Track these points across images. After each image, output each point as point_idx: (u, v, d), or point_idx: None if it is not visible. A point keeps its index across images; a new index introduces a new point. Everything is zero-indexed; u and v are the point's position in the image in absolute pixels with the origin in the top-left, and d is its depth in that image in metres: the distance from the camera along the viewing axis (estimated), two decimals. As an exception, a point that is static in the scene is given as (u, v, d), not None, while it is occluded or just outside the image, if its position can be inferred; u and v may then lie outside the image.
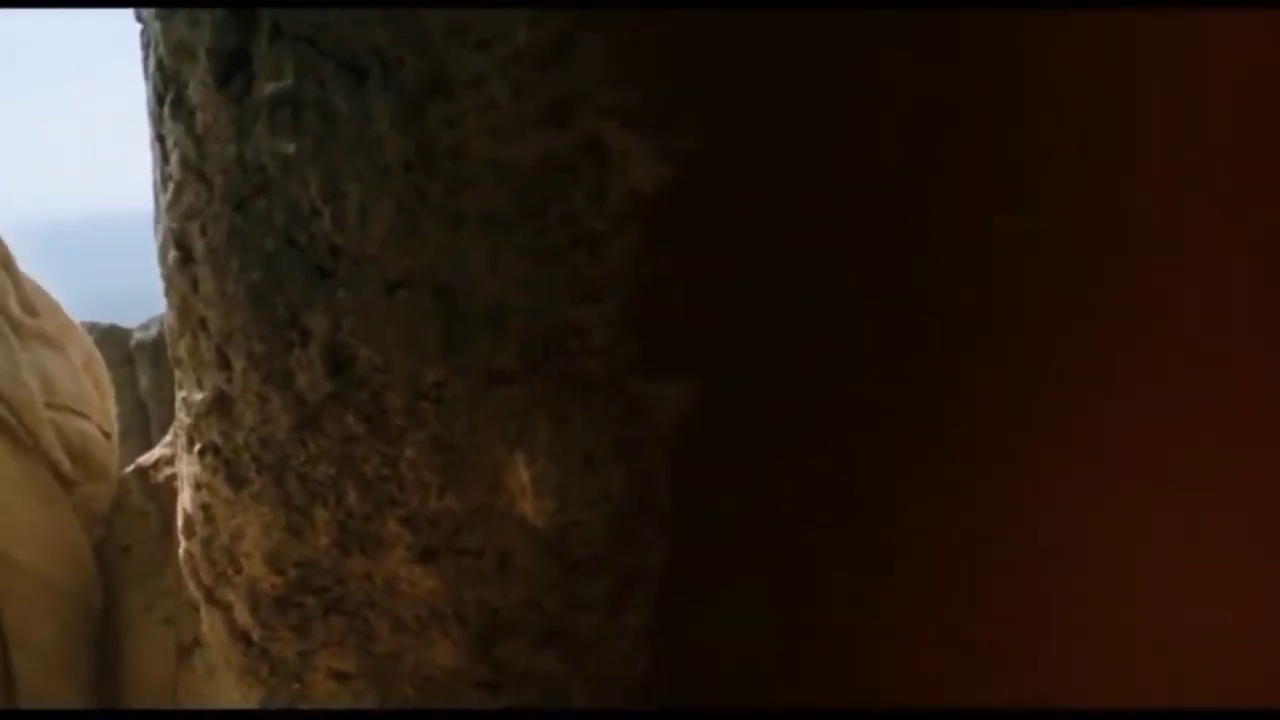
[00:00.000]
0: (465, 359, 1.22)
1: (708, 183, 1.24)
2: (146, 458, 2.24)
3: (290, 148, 1.16)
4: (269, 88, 1.18)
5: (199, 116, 1.24)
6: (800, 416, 1.38)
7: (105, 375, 2.26)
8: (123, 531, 2.17)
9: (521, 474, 1.29)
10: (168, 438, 2.23)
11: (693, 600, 1.45)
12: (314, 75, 1.15)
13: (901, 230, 1.29)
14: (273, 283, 1.22)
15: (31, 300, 2.13)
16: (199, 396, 1.36)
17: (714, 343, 1.33)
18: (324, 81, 1.14)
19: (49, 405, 2.05)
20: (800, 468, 1.38)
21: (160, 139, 1.32)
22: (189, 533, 1.53)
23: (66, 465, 2.05)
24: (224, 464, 1.39)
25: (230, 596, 1.54)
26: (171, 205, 1.29)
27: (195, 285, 1.28)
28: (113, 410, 2.24)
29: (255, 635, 1.56)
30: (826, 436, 1.38)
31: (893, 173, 1.26)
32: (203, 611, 1.65)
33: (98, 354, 2.27)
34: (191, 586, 1.61)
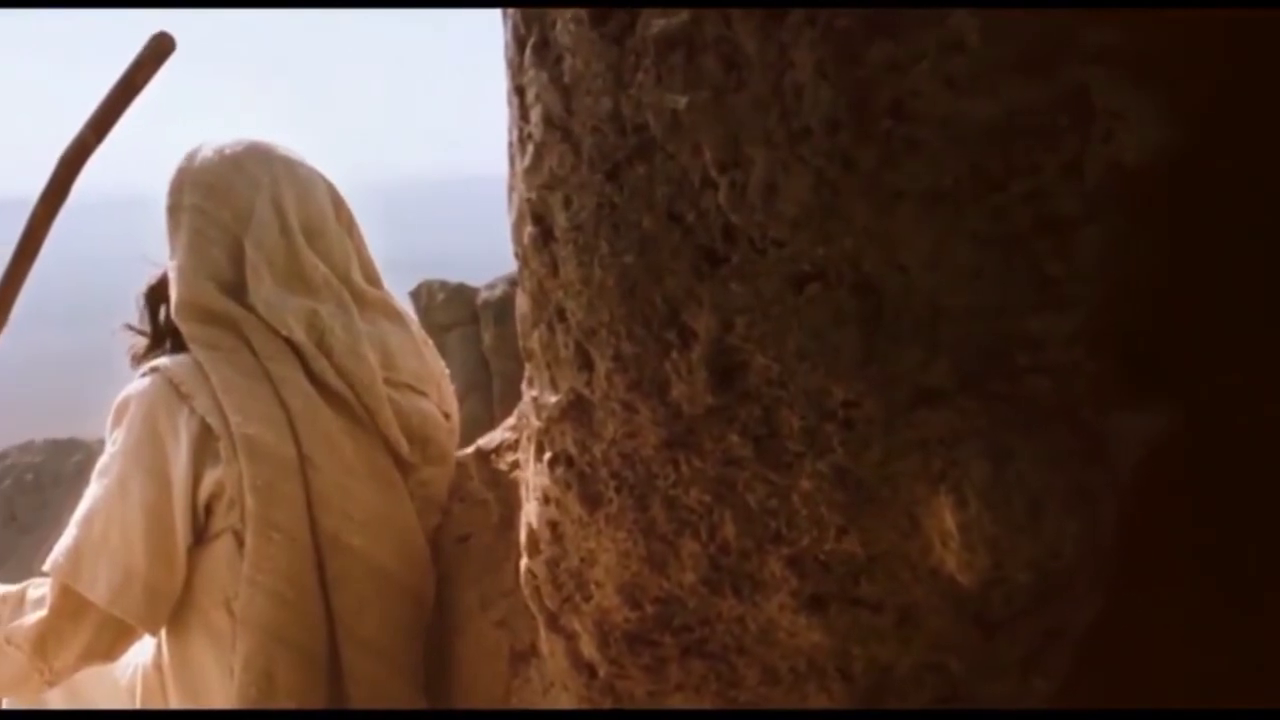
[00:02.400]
0: (886, 373, 0.98)
1: (1210, 158, 0.95)
2: (488, 440, 2.10)
3: (681, 101, 0.94)
4: (657, 25, 0.96)
5: (567, 63, 1.03)
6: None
7: (438, 354, 2.13)
8: (460, 520, 2.05)
9: (945, 519, 1.05)
10: (511, 420, 2.09)
11: (1109, 659, 1.19)
12: (716, 9, 0.91)
13: None
14: (650, 270, 1.01)
15: (374, 268, 2.01)
16: (552, 399, 1.17)
17: (1192, 365, 1.04)
18: (729, 16, 0.91)
19: (388, 382, 1.93)
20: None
21: (518, 91, 1.13)
22: (533, 550, 1.36)
23: (405, 447, 1.93)
24: (577, 479, 1.20)
25: (576, 625, 1.37)
26: (530, 171, 1.09)
27: (555, 268, 1.08)
28: (450, 389, 2.11)
29: (602, 670, 1.38)
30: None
31: None
32: (542, 633, 1.48)
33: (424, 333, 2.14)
34: (532, 607, 1.44)
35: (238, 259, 1.87)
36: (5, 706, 2.18)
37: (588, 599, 1.31)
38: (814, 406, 1.01)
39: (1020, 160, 0.90)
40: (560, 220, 1.06)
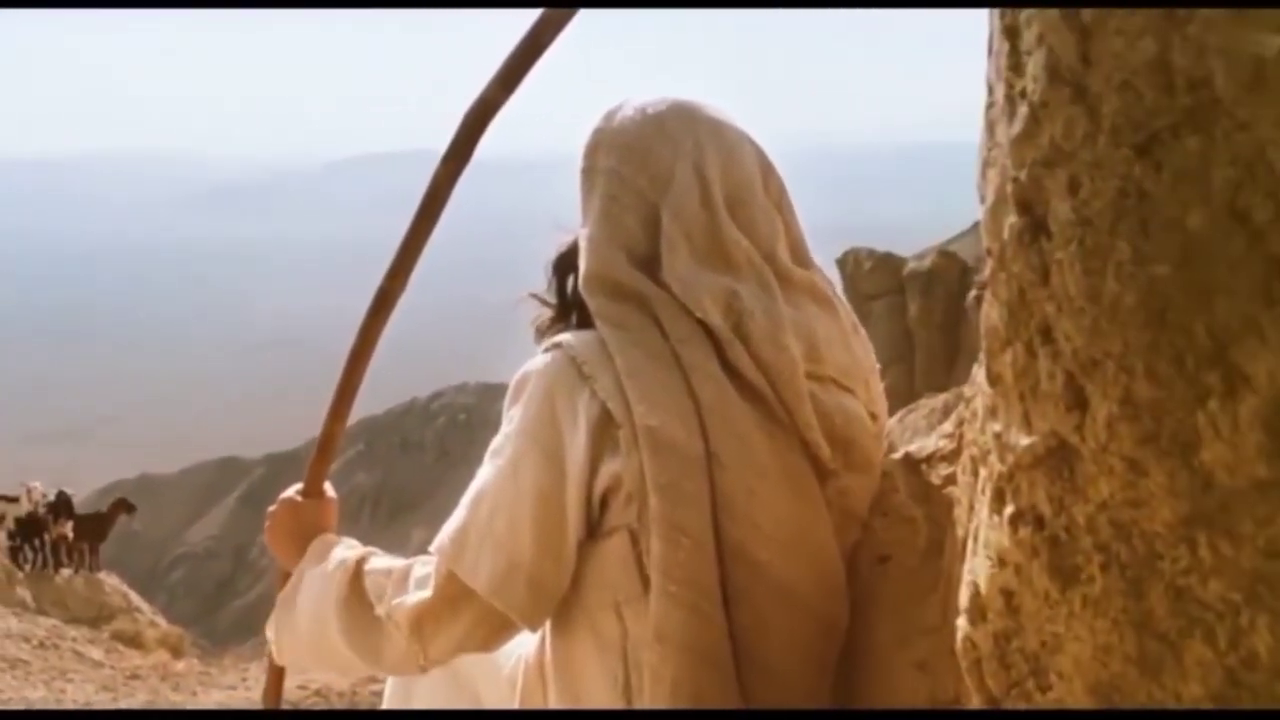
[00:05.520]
0: None
1: None
2: (919, 448, 1.85)
3: (1274, 43, 0.64)
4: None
5: (1090, -7, 0.75)
6: None
7: (870, 345, 1.88)
8: (882, 538, 1.80)
9: None
10: (947, 427, 1.83)
11: None
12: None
13: None
14: (1192, 286, 0.72)
15: (803, 246, 1.79)
16: (1024, 441, 0.90)
17: None
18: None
19: (810, 375, 1.71)
20: None
21: (1009, 33, 0.86)
22: (976, 616, 1.10)
23: (825, 451, 1.70)
24: (1048, 544, 0.94)
25: (1025, 716, 1.09)
26: (1020, 141, 0.82)
27: (1045, 273, 0.82)
28: (880, 387, 1.86)
29: (1050, 774, 1.10)
30: None
31: None
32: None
33: (858, 321, 1.89)
34: (968, 681, 1.18)
35: (653, 229, 1.70)
36: (389, 684, 2.16)
37: (1045, 690, 1.04)
38: None
39: None
40: (1061, 210, 0.79)
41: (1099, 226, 0.76)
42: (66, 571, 14.95)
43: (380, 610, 1.76)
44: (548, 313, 1.85)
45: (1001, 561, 1.01)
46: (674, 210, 1.69)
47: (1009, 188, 0.85)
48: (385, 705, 2.20)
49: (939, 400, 2.05)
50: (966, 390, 1.59)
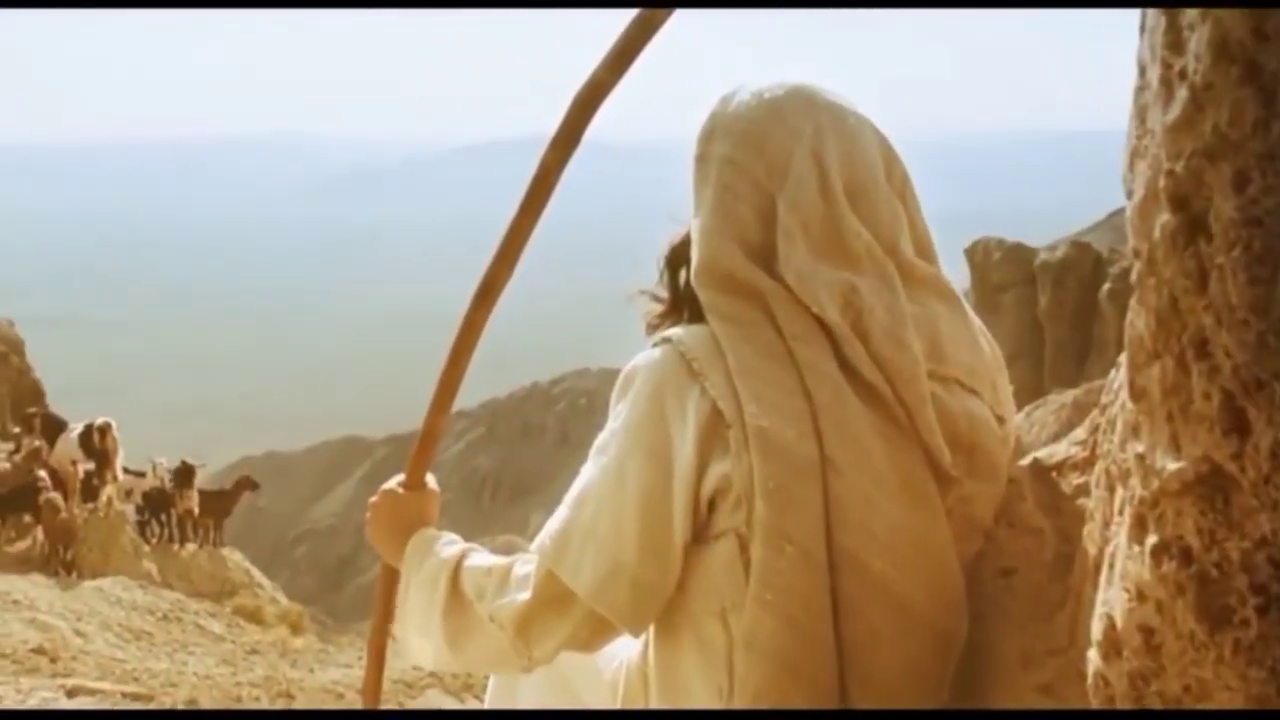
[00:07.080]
0: None
1: None
2: (1048, 454, 1.74)
3: None
4: None
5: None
6: None
7: (996, 347, 1.78)
8: (1006, 550, 1.70)
9: None
10: (1080, 433, 1.71)
11: None
12: None
13: None
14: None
15: (928, 239, 1.70)
16: (1172, 465, 0.81)
17: None
18: None
19: (933, 375, 1.62)
20: None
21: (1167, 10, 0.76)
22: (1110, 652, 1.01)
23: (946, 456, 1.61)
24: (1196, 582, 0.84)
25: (1165, 763, 1.00)
26: (1176, 129, 0.73)
27: (1202, 280, 0.72)
28: (1008, 390, 1.76)
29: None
30: None
31: None
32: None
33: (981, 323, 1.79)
34: (1100, 718, 1.08)
35: (768, 220, 1.62)
36: (491, 682, 2.13)
37: (1188, 738, 0.95)
38: None
39: None
40: (1224, 208, 0.69)
41: (1270, 228, 0.67)
42: (191, 546, 15.34)
43: (480, 609, 1.72)
44: (658, 307, 1.79)
45: (1141, 595, 0.92)
46: (791, 200, 1.61)
47: (1162, 181, 0.76)
48: (488, 703, 2.17)
49: (1068, 396, 1.96)
50: (1103, 396, 1.49)
